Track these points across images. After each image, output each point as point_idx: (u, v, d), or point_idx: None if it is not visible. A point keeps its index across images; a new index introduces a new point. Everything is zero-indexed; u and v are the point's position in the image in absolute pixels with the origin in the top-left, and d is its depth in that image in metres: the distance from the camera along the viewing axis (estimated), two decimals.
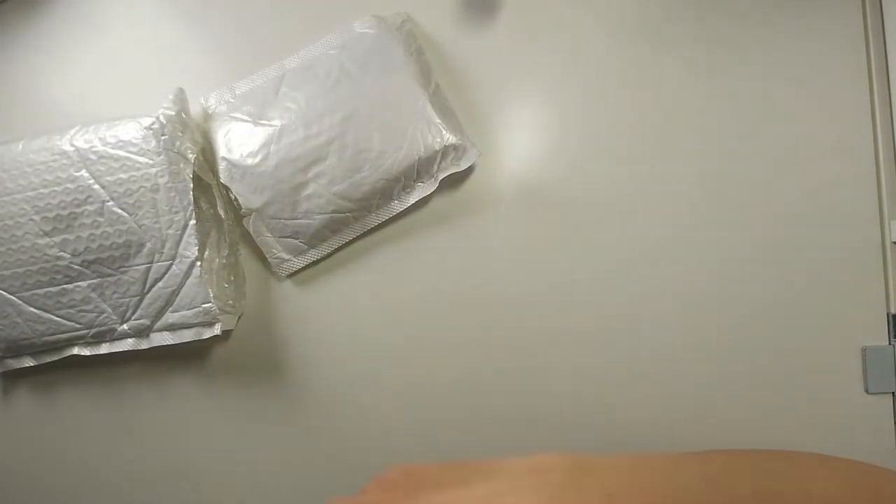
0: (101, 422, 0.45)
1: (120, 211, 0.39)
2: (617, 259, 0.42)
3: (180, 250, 0.39)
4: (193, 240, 0.39)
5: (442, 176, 0.41)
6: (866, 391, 0.40)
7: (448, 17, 0.45)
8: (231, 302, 0.42)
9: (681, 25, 0.43)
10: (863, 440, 0.40)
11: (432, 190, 0.42)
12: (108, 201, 0.39)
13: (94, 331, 0.40)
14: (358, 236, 0.43)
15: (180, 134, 0.40)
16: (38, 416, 0.45)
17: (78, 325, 0.40)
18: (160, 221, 0.39)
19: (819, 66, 0.42)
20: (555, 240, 0.43)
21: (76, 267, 0.39)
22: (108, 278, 0.40)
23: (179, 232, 0.39)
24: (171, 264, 0.39)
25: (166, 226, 0.39)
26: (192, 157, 0.40)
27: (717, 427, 0.40)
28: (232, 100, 0.43)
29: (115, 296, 0.40)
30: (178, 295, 0.40)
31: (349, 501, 0.25)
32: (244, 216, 0.42)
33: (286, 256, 0.43)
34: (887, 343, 0.40)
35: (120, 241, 0.39)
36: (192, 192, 0.39)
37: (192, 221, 0.39)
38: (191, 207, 0.39)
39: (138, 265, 0.40)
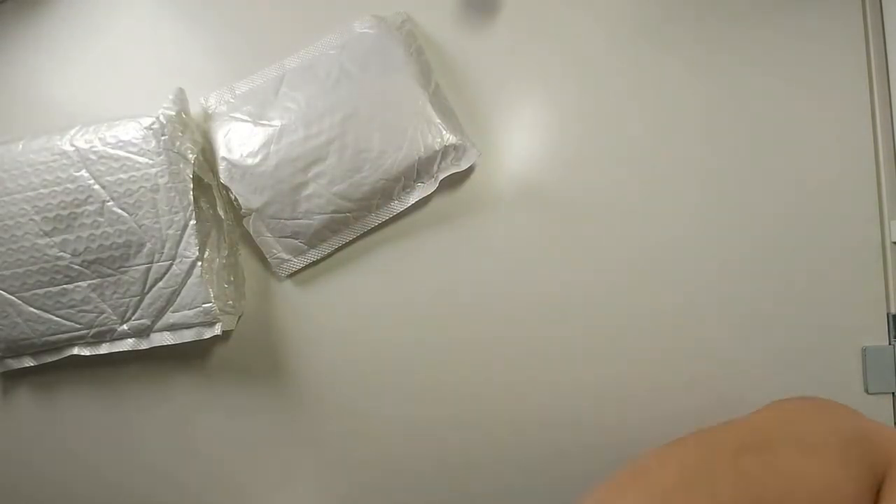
0: (101, 422, 0.45)
1: (120, 211, 0.39)
2: (616, 258, 0.42)
3: (180, 250, 0.39)
4: (193, 240, 0.39)
5: (442, 176, 0.41)
6: (866, 391, 0.40)
7: (448, 17, 0.45)
8: (231, 302, 0.42)
9: (681, 25, 0.43)
10: None
11: (432, 190, 0.42)
12: (108, 201, 0.39)
13: (94, 331, 0.40)
14: (358, 236, 0.43)
15: (180, 134, 0.40)
16: (38, 416, 0.45)
17: (78, 325, 0.40)
18: (160, 221, 0.39)
19: (819, 66, 0.42)
20: (555, 239, 0.43)
21: (76, 267, 0.39)
22: (108, 278, 0.40)
23: (179, 232, 0.39)
24: (172, 264, 0.39)
25: (166, 226, 0.39)
26: (192, 157, 0.40)
27: None
28: (232, 100, 0.43)
29: (115, 296, 0.40)
30: (178, 295, 0.40)
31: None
32: (244, 216, 0.42)
33: (286, 256, 0.43)
34: (887, 343, 0.40)
35: (120, 241, 0.39)
36: (192, 192, 0.39)
37: (192, 221, 0.39)
38: (191, 207, 0.39)
39: (138, 265, 0.40)
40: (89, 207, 0.39)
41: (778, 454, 0.26)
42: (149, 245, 0.39)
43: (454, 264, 0.43)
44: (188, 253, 0.39)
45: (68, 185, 0.39)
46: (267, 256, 0.43)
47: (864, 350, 0.40)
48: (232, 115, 0.42)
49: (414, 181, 0.42)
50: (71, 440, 0.45)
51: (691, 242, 0.42)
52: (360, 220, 0.42)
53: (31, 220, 0.39)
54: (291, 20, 0.46)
